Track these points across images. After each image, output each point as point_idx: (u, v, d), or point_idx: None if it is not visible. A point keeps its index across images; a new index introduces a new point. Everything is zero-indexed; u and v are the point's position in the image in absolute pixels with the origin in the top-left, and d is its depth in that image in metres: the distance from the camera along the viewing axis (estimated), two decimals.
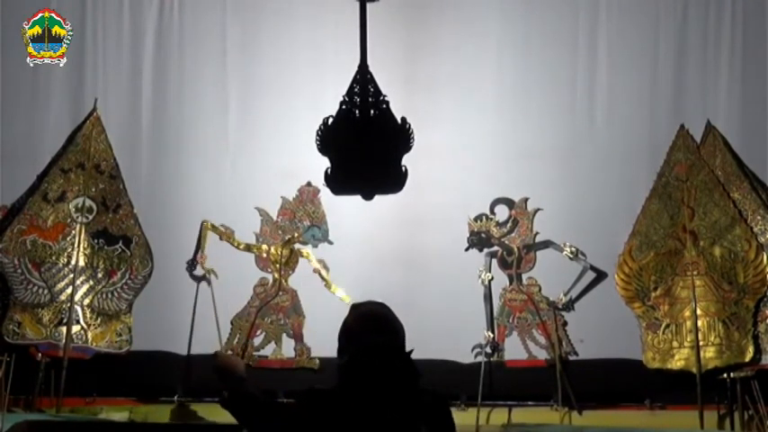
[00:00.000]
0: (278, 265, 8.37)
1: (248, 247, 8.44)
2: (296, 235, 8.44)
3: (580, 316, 8.32)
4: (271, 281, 8.42)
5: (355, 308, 3.50)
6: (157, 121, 8.83)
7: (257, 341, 8.38)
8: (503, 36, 8.89)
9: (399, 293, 8.45)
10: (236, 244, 8.44)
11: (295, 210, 8.51)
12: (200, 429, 7.48)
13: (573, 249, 8.34)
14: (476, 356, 8.26)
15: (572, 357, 8.22)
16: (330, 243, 8.47)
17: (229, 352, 8.27)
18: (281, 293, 8.37)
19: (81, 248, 7.80)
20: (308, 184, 8.46)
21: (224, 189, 8.69)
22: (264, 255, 8.45)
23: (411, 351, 3.41)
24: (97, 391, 8.04)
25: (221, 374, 3.44)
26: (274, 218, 8.51)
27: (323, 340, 7.88)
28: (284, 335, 8.39)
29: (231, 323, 8.31)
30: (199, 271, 8.35)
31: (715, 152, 7.92)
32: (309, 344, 8.32)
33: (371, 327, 3.39)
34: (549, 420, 7.75)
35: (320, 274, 8.42)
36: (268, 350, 8.39)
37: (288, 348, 8.37)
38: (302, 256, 8.46)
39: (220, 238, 8.44)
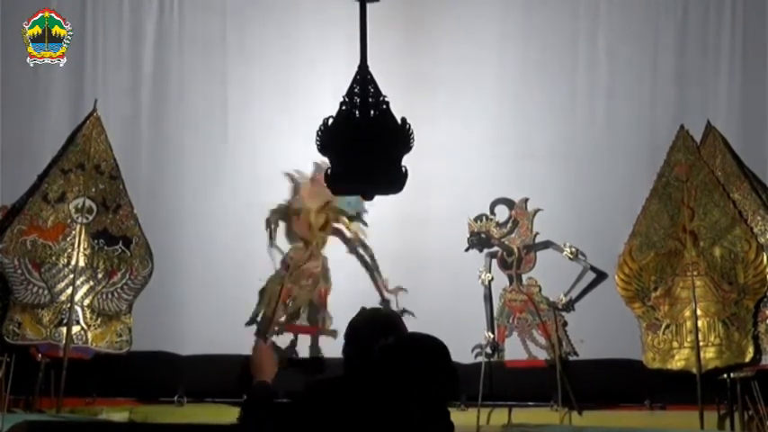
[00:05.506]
0: (313, 231, 8.30)
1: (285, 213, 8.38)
2: (331, 202, 8.29)
3: (580, 316, 8.32)
4: (303, 246, 8.37)
5: (367, 311, 3.50)
6: (157, 121, 8.83)
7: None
8: (503, 36, 8.88)
9: (399, 293, 8.48)
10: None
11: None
12: (201, 429, 7.47)
13: (573, 250, 8.34)
14: (476, 357, 8.25)
15: (572, 357, 8.22)
16: (365, 212, 8.41)
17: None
18: (312, 259, 8.33)
19: (81, 249, 7.79)
20: None
21: (224, 189, 8.68)
22: (300, 218, 8.40)
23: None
24: (97, 391, 8.05)
25: (250, 372, 3.42)
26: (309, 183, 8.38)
27: (344, 311, 7.90)
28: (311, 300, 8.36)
29: (261, 292, 8.27)
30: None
31: (715, 152, 7.91)
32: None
33: (390, 330, 3.39)
34: (549, 421, 7.75)
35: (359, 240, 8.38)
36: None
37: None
38: (338, 223, 8.41)
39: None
